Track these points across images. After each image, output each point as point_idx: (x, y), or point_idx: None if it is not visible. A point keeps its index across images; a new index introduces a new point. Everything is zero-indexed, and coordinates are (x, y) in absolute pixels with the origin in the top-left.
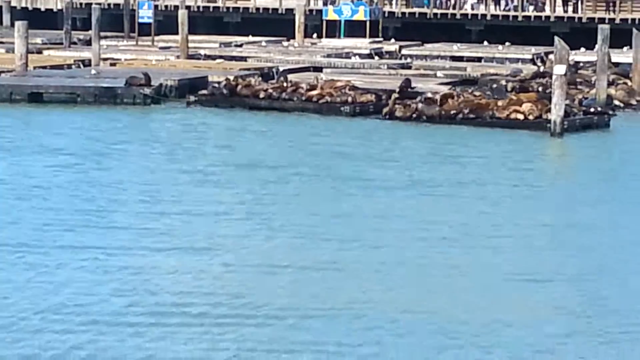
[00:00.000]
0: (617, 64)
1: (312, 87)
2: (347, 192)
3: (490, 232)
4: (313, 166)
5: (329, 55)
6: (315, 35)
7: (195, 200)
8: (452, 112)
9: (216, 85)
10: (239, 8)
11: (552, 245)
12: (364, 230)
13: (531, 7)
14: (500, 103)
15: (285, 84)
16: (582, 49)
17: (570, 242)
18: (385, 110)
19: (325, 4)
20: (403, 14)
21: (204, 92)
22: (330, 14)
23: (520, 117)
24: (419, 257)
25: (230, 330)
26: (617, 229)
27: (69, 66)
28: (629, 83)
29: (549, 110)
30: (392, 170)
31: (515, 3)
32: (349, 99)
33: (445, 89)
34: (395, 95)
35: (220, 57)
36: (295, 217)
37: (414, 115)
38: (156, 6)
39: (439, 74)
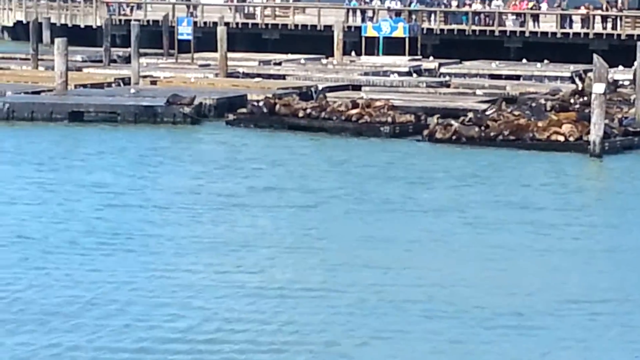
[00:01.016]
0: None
1: (352, 106)
2: (390, 216)
3: (534, 257)
4: (355, 189)
5: (367, 74)
6: (353, 52)
7: (234, 225)
8: (492, 133)
9: (255, 104)
10: (277, 25)
11: (594, 267)
12: (408, 254)
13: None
14: (540, 124)
15: (324, 103)
16: (621, 67)
17: (612, 264)
18: (425, 132)
19: (364, 20)
20: (442, 30)
21: (243, 110)
22: (369, 31)
23: (561, 138)
24: (463, 281)
25: None
26: None
27: (109, 84)
28: None
29: (589, 132)
30: (434, 193)
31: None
32: (389, 119)
33: (484, 107)
34: (437, 117)
35: (259, 75)
36: (337, 242)
37: (454, 137)
38: (195, 23)
39: (478, 92)
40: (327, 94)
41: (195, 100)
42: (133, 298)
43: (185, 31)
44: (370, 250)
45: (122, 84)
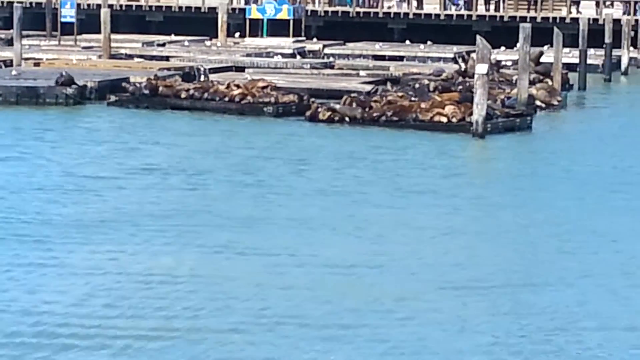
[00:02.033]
0: (541, 63)
1: (235, 87)
2: (272, 197)
3: (416, 236)
4: (230, 170)
5: (251, 55)
6: (238, 34)
7: (111, 205)
8: (375, 114)
9: (137, 85)
10: (161, 7)
11: (466, 244)
12: (290, 236)
13: (453, 7)
14: (423, 105)
15: (207, 83)
16: (503, 48)
17: (484, 243)
18: (308, 112)
19: (248, 2)
20: (326, 12)
21: (125, 92)
22: (254, 13)
23: (444, 119)
24: (345, 263)
25: None
26: (536, 228)
27: None
28: (550, 82)
29: (472, 113)
30: (317, 174)
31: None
32: (272, 100)
33: (368, 88)
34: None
35: (142, 56)
36: (215, 224)
37: (336, 118)
38: (79, 5)
39: (361, 73)
40: (211, 75)
41: (74, 80)
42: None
43: (68, 13)
44: (252, 232)
45: (3, 66)
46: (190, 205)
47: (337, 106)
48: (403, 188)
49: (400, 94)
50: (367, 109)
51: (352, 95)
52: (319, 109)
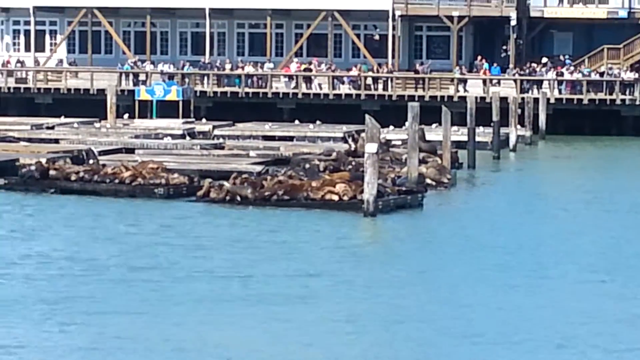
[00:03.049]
0: (428, 141)
1: (125, 169)
2: (163, 282)
3: (294, 317)
4: (128, 255)
5: (140, 137)
6: (127, 115)
7: None
8: (267, 193)
9: (26, 168)
10: (50, 89)
11: (353, 325)
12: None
13: (342, 85)
14: (314, 184)
15: (97, 166)
16: (391, 127)
17: (371, 319)
18: (199, 192)
19: (137, 84)
20: (215, 93)
21: (14, 175)
22: (143, 94)
23: (335, 197)
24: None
25: None
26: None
27: None
28: (439, 161)
29: (363, 191)
30: (207, 256)
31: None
32: (163, 181)
33: (259, 168)
34: (209, 181)
35: (29, 140)
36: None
37: (227, 197)
38: None
39: (251, 153)
40: (101, 157)
41: None
42: None
43: None
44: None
45: None
46: (80, 292)
47: (229, 185)
48: (298, 269)
49: (290, 173)
50: (258, 188)
51: (243, 175)
52: (211, 189)
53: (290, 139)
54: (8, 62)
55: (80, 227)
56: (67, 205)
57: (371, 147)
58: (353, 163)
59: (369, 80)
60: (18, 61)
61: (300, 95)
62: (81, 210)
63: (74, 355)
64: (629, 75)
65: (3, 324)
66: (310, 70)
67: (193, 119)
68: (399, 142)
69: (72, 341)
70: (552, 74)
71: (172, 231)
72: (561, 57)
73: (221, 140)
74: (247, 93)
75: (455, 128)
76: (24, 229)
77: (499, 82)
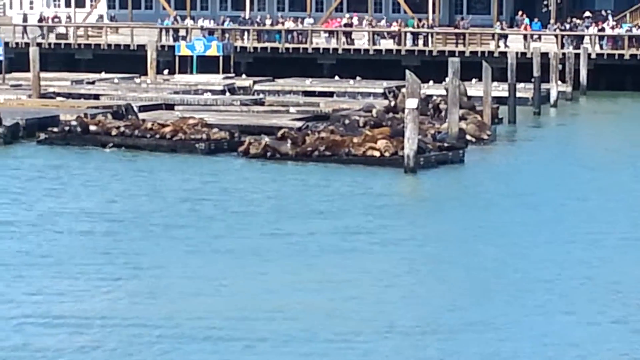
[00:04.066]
0: (468, 97)
1: (166, 124)
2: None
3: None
4: (165, 211)
5: (180, 92)
6: (167, 71)
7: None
8: (308, 149)
9: (67, 123)
10: (90, 45)
11: (392, 275)
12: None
13: (383, 40)
14: (355, 140)
15: (138, 121)
16: (431, 82)
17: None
18: (240, 148)
19: (177, 39)
20: (255, 49)
21: (55, 129)
22: (183, 50)
23: (376, 153)
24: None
25: None
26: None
27: None
28: (479, 117)
29: (404, 147)
30: (254, 214)
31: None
32: (204, 136)
33: (299, 124)
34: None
35: (70, 95)
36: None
37: (269, 153)
38: (7, 43)
39: (291, 109)
40: (141, 113)
41: (2, 120)
42: None
43: None
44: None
45: None
46: (122, 247)
47: (270, 140)
48: (340, 225)
49: (332, 129)
50: (299, 144)
51: (284, 130)
52: (252, 144)
53: (330, 94)
54: (53, 17)
55: (128, 182)
56: (108, 160)
57: (412, 103)
58: (394, 119)
59: (409, 36)
60: (56, 17)
61: (340, 51)
62: (125, 164)
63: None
64: None
65: (53, 276)
66: (351, 25)
67: (233, 75)
68: (439, 99)
69: (122, 291)
70: (593, 29)
71: (215, 186)
72: (602, 12)
73: (261, 95)
74: (287, 49)
75: (495, 84)
76: (68, 183)
77: (539, 38)
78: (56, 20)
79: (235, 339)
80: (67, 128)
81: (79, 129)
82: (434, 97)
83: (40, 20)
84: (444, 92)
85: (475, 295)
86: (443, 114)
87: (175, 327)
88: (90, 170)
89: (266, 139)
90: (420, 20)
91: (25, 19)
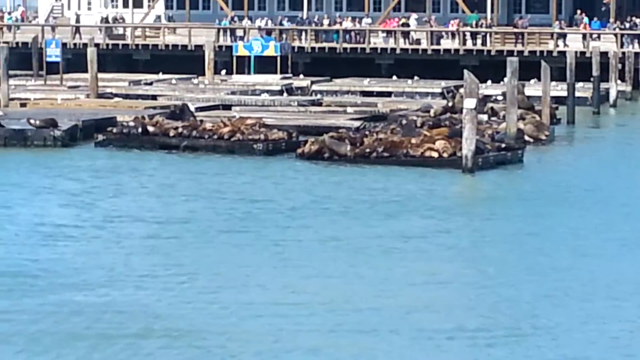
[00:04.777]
0: (527, 97)
1: (224, 124)
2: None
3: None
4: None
5: (237, 92)
6: (224, 71)
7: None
8: (367, 150)
9: (125, 124)
10: (148, 45)
11: (454, 278)
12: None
13: (442, 40)
14: (414, 141)
15: (196, 122)
16: (489, 82)
17: (472, 275)
18: (299, 150)
19: (234, 40)
20: (313, 49)
21: (113, 131)
22: (241, 50)
23: (435, 154)
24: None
25: None
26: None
27: None
28: (537, 117)
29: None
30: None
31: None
32: (262, 137)
33: (357, 124)
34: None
35: (127, 95)
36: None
37: (327, 155)
38: (65, 44)
39: (349, 109)
40: (198, 114)
41: (59, 121)
42: None
43: (53, 53)
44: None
45: None
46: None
47: (328, 141)
48: (405, 228)
49: (390, 129)
50: (358, 145)
51: (342, 131)
52: (311, 146)
53: (388, 94)
54: (115, 17)
55: (187, 183)
56: (167, 161)
57: (470, 103)
58: (452, 119)
59: (468, 35)
60: (116, 18)
61: (398, 51)
62: (183, 166)
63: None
64: None
65: (120, 281)
66: (409, 25)
67: (291, 75)
68: (500, 98)
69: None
70: None
71: (274, 188)
72: None
73: (319, 96)
74: (344, 48)
75: (554, 83)
76: (128, 185)
77: (599, 37)
78: (121, 21)
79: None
80: (125, 130)
81: (137, 130)
82: (492, 98)
83: (104, 22)
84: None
85: (540, 298)
86: (501, 115)
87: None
88: (150, 172)
89: (325, 139)
90: (479, 19)
91: (77, 20)
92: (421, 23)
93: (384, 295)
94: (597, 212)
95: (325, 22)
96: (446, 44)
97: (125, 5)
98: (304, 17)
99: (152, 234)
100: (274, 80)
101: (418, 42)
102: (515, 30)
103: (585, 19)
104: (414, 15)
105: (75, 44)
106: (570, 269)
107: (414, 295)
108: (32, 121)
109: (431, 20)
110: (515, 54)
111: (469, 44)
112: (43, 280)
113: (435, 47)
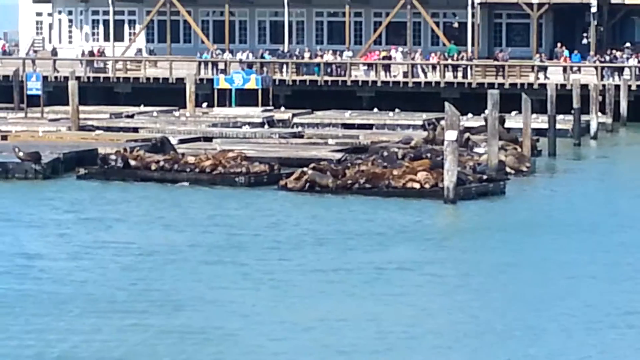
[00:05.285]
0: (507, 129)
1: (205, 158)
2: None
3: (390, 301)
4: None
5: (218, 125)
6: (205, 104)
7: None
8: (349, 182)
9: (107, 157)
10: (129, 78)
11: (432, 305)
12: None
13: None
14: (396, 172)
15: (177, 155)
16: (470, 115)
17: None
18: (281, 181)
19: (216, 72)
20: (294, 81)
21: (94, 167)
22: (222, 83)
23: (417, 185)
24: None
25: None
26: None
27: None
28: (518, 149)
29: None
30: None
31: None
32: (243, 170)
33: (338, 156)
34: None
35: (108, 128)
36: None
37: (309, 186)
38: (46, 77)
39: (330, 141)
40: (180, 146)
41: (42, 156)
42: None
43: (34, 86)
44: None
45: None
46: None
47: (310, 173)
48: (388, 258)
49: (371, 161)
50: (340, 177)
51: (324, 163)
52: (291, 178)
53: (370, 127)
54: (97, 50)
55: (172, 215)
56: (148, 194)
57: (451, 135)
58: (433, 151)
59: (449, 68)
60: (99, 51)
61: (379, 83)
62: (166, 198)
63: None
64: None
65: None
66: (390, 58)
67: (272, 107)
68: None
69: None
70: (633, 61)
71: (256, 219)
72: None
73: (300, 128)
74: (326, 81)
75: (535, 115)
76: (111, 219)
77: (579, 70)
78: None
79: None
80: (107, 165)
81: (119, 164)
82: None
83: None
84: (482, 123)
85: (520, 328)
86: (475, 147)
87: None
88: (132, 204)
89: (309, 172)
90: (459, 52)
91: (54, 53)
92: (404, 56)
93: (367, 327)
94: (579, 242)
95: (307, 55)
96: (425, 76)
97: (107, 38)
98: (285, 50)
99: (130, 264)
100: (255, 112)
101: (406, 75)
102: (496, 63)
103: (566, 52)
104: (399, 49)
105: (56, 77)
106: (554, 298)
107: (397, 326)
108: (17, 150)
109: (415, 54)
110: (496, 86)
111: (450, 77)
112: None
113: (415, 79)
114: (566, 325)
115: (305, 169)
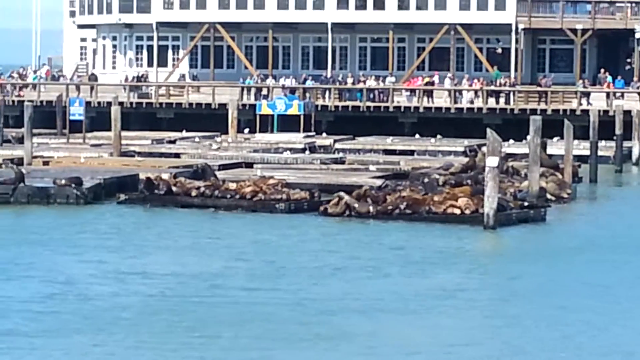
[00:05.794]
0: (549, 156)
1: (246, 184)
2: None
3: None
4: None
5: (259, 151)
6: (247, 130)
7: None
8: (389, 207)
9: (149, 183)
10: (171, 104)
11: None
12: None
13: (464, 100)
14: (436, 198)
15: (218, 182)
16: (511, 141)
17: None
18: (321, 208)
19: (258, 98)
20: (336, 107)
21: (136, 190)
22: (264, 109)
23: (457, 211)
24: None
25: None
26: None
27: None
28: (559, 175)
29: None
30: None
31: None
32: (284, 196)
33: (379, 182)
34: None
35: (150, 154)
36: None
37: (350, 213)
38: (89, 103)
39: (371, 167)
40: (221, 172)
41: (84, 182)
42: None
43: (77, 111)
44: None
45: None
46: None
47: (350, 199)
48: (429, 284)
49: (411, 187)
50: (380, 203)
51: (365, 189)
52: (332, 205)
53: (411, 153)
54: (140, 76)
55: (218, 242)
56: (189, 220)
57: (492, 161)
58: (473, 177)
59: (491, 94)
60: (142, 76)
61: (421, 110)
62: (208, 225)
63: None
64: None
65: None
66: (432, 84)
67: (314, 133)
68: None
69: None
70: None
71: (299, 246)
72: None
73: (342, 154)
74: (368, 107)
75: (577, 142)
76: (151, 245)
77: (622, 95)
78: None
79: None
80: (149, 191)
81: (161, 191)
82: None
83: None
84: (525, 150)
85: (563, 353)
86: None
87: None
88: (174, 230)
89: (346, 198)
90: (503, 77)
91: (94, 79)
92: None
93: (413, 352)
94: (621, 267)
95: (349, 80)
96: (467, 102)
97: (150, 64)
98: (328, 75)
99: (164, 290)
100: (297, 138)
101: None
102: (539, 89)
103: (609, 78)
104: (448, 74)
105: (99, 102)
106: (595, 324)
107: (441, 353)
108: (57, 181)
109: (462, 79)
110: (538, 112)
111: (492, 103)
112: None
113: (458, 105)
114: (608, 351)
115: (341, 193)
